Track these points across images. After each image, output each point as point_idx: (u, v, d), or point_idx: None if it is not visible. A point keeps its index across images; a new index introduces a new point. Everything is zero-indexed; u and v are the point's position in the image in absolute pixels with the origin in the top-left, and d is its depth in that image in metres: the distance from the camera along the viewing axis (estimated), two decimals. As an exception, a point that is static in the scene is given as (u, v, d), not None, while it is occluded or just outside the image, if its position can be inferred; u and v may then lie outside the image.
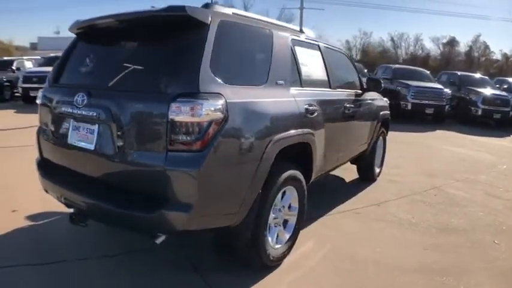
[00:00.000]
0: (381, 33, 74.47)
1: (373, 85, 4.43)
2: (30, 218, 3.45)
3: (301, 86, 3.01)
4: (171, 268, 2.74)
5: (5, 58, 17.33)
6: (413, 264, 3.02)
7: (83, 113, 2.36)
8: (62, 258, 2.79)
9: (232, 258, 2.70)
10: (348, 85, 4.14)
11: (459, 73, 14.84)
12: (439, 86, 12.58)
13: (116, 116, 2.21)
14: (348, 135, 3.94)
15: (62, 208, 2.71)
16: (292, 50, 2.99)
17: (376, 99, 4.90)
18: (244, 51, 2.60)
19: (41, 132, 2.93)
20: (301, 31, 3.45)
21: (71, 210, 2.52)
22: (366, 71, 15.02)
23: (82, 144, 2.42)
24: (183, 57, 2.17)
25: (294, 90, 2.86)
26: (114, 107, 2.22)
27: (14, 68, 14.07)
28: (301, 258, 2.95)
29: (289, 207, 2.89)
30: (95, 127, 2.35)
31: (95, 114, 2.29)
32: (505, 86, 14.29)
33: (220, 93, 2.13)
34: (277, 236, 2.79)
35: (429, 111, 11.88)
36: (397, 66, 15.44)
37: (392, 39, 50.55)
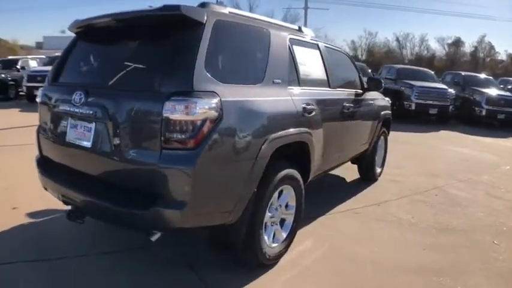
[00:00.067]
0: (386, 34, 74.21)
1: (374, 85, 4.42)
2: (31, 215, 3.48)
3: (299, 85, 3.00)
4: (168, 266, 2.75)
5: (10, 57, 17.52)
6: (412, 264, 3.01)
7: (81, 111, 2.39)
8: (62, 255, 2.82)
9: (229, 256, 2.71)
10: (348, 85, 4.13)
11: (463, 73, 14.77)
12: (443, 86, 12.54)
13: (112, 114, 2.23)
14: (348, 134, 3.93)
15: (62, 206, 2.73)
16: (290, 49, 2.99)
17: (377, 99, 4.89)
18: (241, 50, 2.60)
19: (40, 130, 2.97)
20: (299, 30, 3.45)
21: (69, 207, 2.54)
22: (369, 71, 14.96)
23: (79, 142, 2.44)
24: (178, 56, 2.18)
25: (291, 89, 2.86)
26: (110, 106, 2.25)
27: (18, 67, 14.20)
28: (298, 257, 2.95)
29: (286, 206, 2.89)
30: (92, 125, 2.37)
31: (91, 112, 2.31)
32: (510, 87, 14.25)
33: (215, 92, 2.13)
34: (274, 234, 2.79)
35: (433, 111, 11.84)
36: (401, 66, 15.39)
37: (397, 40, 50.31)
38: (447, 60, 44.96)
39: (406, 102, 11.95)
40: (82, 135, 2.43)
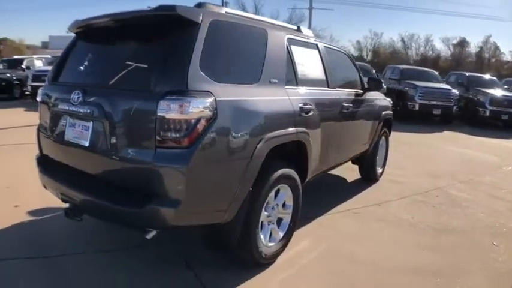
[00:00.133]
0: (392, 34, 73.97)
1: (374, 85, 4.41)
2: (32, 213, 3.52)
3: (297, 85, 3.01)
4: (165, 264, 2.77)
5: (15, 57, 17.65)
6: (410, 264, 3.00)
7: (78, 110, 2.41)
8: (61, 253, 2.86)
9: (225, 255, 2.72)
10: (348, 85, 4.12)
11: (467, 74, 14.70)
12: (447, 86, 12.49)
13: (108, 113, 2.26)
14: (347, 134, 3.93)
15: (62, 204, 2.75)
16: (288, 49, 2.99)
17: (378, 99, 4.88)
18: (237, 50, 2.61)
19: (40, 129, 3.00)
20: (298, 30, 3.45)
21: (67, 205, 2.57)
22: (374, 71, 14.91)
23: (78, 141, 2.47)
24: (173, 55, 2.19)
25: (288, 89, 2.86)
26: (106, 105, 2.27)
27: (23, 66, 14.31)
28: (296, 257, 2.96)
29: (284, 205, 2.90)
30: (90, 124, 2.40)
31: (88, 111, 2.34)
32: (514, 88, 14.13)
33: (210, 91, 2.15)
34: (271, 234, 2.80)
35: (437, 112, 11.81)
36: (405, 66, 15.34)
37: (402, 40, 50.21)
38: (452, 60, 44.78)
39: (409, 103, 11.93)
40: (80, 134, 2.45)
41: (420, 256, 3.16)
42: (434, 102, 11.71)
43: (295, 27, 3.48)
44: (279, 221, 2.89)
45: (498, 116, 11.96)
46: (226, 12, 2.62)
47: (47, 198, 3.17)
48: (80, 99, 2.40)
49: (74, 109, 2.45)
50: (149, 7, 2.43)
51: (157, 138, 2.07)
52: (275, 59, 2.80)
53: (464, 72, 15.30)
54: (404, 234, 3.60)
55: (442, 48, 49.33)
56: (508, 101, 12.00)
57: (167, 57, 2.19)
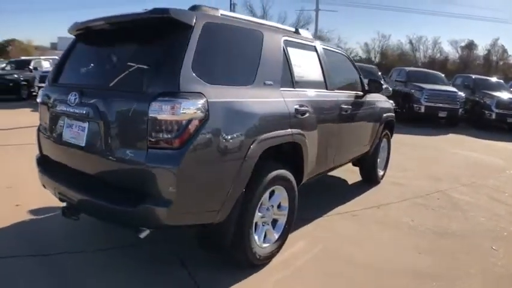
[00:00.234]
0: (400, 36, 73.62)
1: (374, 87, 4.40)
2: (33, 212, 3.57)
3: (293, 87, 3.02)
4: (161, 263, 2.80)
5: (23, 58, 17.87)
6: (406, 267, 2.98)
7: (75, 111, 2.46)
8: (60, 251, 2.89)
9: (218, 255, 2.74)
10: (347, 86, 4.13)
11: (474, 76, 14.57)
12: (453, 89, 12.43)
13: (103, 114, 2.30)
14: (346, 136, 3.92)
15: (62, 204, 2.79)
16: (284, 50, 3.00)
17: (380, 101, 4.87)
18: (231, 52, 2.63)
19: (40, 129, 3.05)
20: (296, 32, 3.46)
21: (64, 204, 2.61)
22: (380, 73, 14.85)
23: (74, 141, 2.52)
24: (166, 57, 2.22)
25: (284, 90, 2.87)
26: (102, 106, 2.31)
27: (31, 67, 14.48)
28: (291, 258, 2.96)
29: (279, 206, 2.90)
30: (86, 125, 2.44)
31: (84, 112, 2.38)
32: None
33: (202, 93, 2.17)
34: (266, 235, 2.81)
35: (442, 114, 11.76)
36: (411, 68, 15.26)
37: (410, 42, 49.99)
38: (460, 63, 44.49)
39: (415, 105, 11.90)
40: (77, 134, 2.49)
41: (418, 259, 3.14)
42: (440, 105, 11.65)
43: (293, 29, 3.50)
44: (274, 222, 2.89)
45: (504, 119, 11.85)
46: (221, 15, 2.65)
47: (48, 197, 3.21)
48: (76, 100, 2.44)
49: (71, 110, 2.49)
50: (145, 9, 2.46)
51: (149, 139, 2.10)
52: (270, 60, 2.82)
53: (471, 75, 15.17)
54: (403, 237, 3.58)
55: (450, 51, 49.14)
56: (514, 104, 11.89)
57: (160, 59, 2.22)
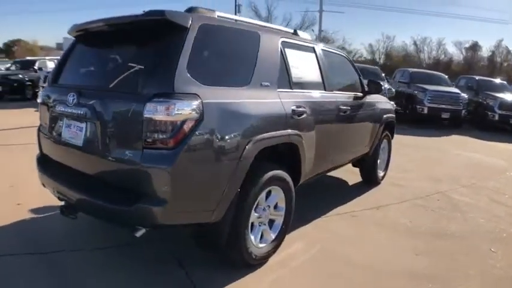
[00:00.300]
0: (404, 37, 73.36)
1: (374, 88, 4.41)
2: (33, 211, 3.61)
3: (291, 88, 3.03)
4: (158, 262, 2.82)
5: (28, 58, 17.99)
6: (403, 269, 2.98)
7: (73, 111, 2.50)
8: (59, 249, 2.93)
9: (215, 255, 2.76)
10: (347, 88, 4.14)
11: (477, 78, 14.51)
12: (456, 90, 12.39)
13: (100, 114, 2.33)
14: (345, 137, 3.93)
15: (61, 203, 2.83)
16: (282, 52, 3.02)
17: (380, 102, 4.87)
18: (227, 54, 2.65)
19: (41, 129, 3.10)
20: (295, 33, 3.47)
21: (62, 203, 2.64)
22: (383, 75, 14.83)
23: (73, 141, 2.55)
24: (162, 59, 2.25)
25: (281, 91, 2.88)
26: (98, 106, 2.35)
27: (36, 67, 14.57)
28: (288, 258, 2.97)
29: (276, 207, 2.92)
30: (83, 125, 2.47)
31: (82, 112, 2.42)
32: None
33: (196, 94, 2.19)
34: (262, 235, 2.82)
35: (445, 115, 11.73)
36: (414, 70, 15.21)
37: (415, 43, 49.80)
38: (465, 64, 44.28)
39: (418, 106, 11.89)
40: (75, 134, 2.53)
41: (415, 260, 3.14)
42: (443, 106, 11.63)
43: (292, 31, 3.51)
44: (271, 222, 2.91)
45: (507, 120, 11.77)
46: (217, 17, 2.67)
47: (48, 197, 3.25)
48: (74, 100, 2.48)
49: (69, 110, 2.53)
50: (144, 11, 2.48)
51: (144, 139, 2.13)
52: (267, 62, 2.83)
53: (474, 76, 15.12)
54: (401, 238, 3.58)
55: (455, 52, 48.92)
56: (517, 106, 11.84)
57: (156, 60, 2.25)
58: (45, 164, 2.97)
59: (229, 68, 2.62)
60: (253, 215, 2.66)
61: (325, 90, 3.54)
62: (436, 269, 3.04)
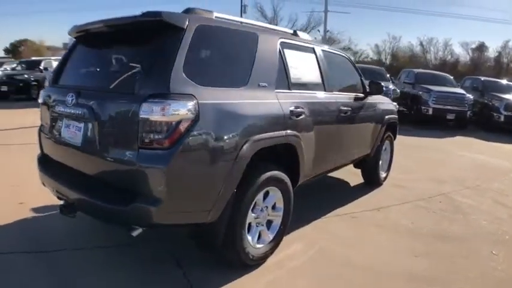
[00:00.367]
0: (410, 38, 72.95)
1: (375, 88, 4.39)
2: (35, 210, 3.65)
3: (289, 89, 3.03)
4: (156, 262, 2.83)
5: (33, 58, 18.11)
6: (402, 271, 2.96)
7: (72, 111, 2.53)
8: (60, 248, 2.96)
9: (212, 255, 2.76)
10: (347, 88, 4.13)
11: (482, 78, 14.39)
12: (461, 91, 12.31)
13: (97, 114, 2.36)
14: (345, 138, 3.92)
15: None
16: (280, 52, 3.02)
17: (382, 103, 4.85)
18: (224, 54, 2.65)
19: (41, 129, 3.13)
20: (294, 34, 3.47)
21: (62, 202, 2.66)
22: (388, 75, 14.76)
23: (72, 141, 2.58)
24: (158, 60, 2.26)
25: (279, 92, 2.88)
26: (96, 107, 2.37)
27: (41, 67, 14.67)
28: (286, 259, 2.97)
29: (274, 207, 2.91)
30: (82, 125, 2.50)
31: (80, 112, 2.45)
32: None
33: (192, 95, 2.20)
34: (260, 235, 2.82)
35: (450, 116, 11.65)
36: (419, 70, 15.12)
37: (421, 44, 49.44)
38: (471, 65, 43.94)
39: (423, 107, 11.82)
40: (74, 134, 2.56)
41: (414, 262, 3.12)
42: (448, 107, 11.56)
43: (291, 31, 3.51)
44: (269, 223, 2.91)
45: (512, 121, 11.69)
46: (215, 17, 2.68)
47: (50, 196, 3.28)
48: (73, 101, 2.51)
49: (68, 110, 2.56)
50: (142, 12, 2.50)
51: (140, 139, 2.14)
52: (265, 63, 2.83)
53: (480, 77, 14.99)
54: (401, 239, 3.56)
55: (461, 53, 48.51)
56: (523, 107, 11.72)
57: (152, 61, 2.27)
58: (45, 163, 3.00)
59: (226, 69, 2.62)
60: (251, 216, 2.66)
61: (325, 91, 3.53)
62: (436, 271, 3.02)
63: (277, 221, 2.94)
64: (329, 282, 2.76)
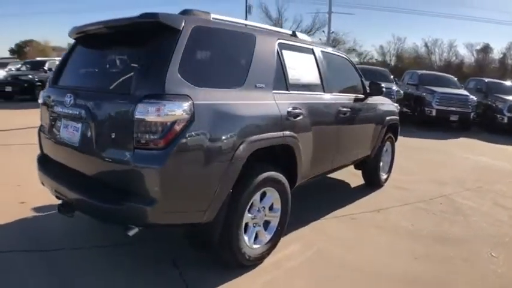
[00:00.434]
0: (415, 39, 72.69)
1: (375, 89, 4.39)
2: (36, 209, 3.68)
3: (287, 90, 3.03)
4: (152, 261, 2.85)
5: (38, 59, 18.23)
6: (400, 273, 2.95)
7: (69, 112, 2.56)
8: (59, 247, 2.99)
9: (208, 255, 2.77)
10: (347, 89, 4.12)
11: (486, 80, 14.33)
12: (465, 92, 12.26)
13: (94, 115, 2.38)
14: (344, 139, 3.91)
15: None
16: (278, 53, 3.02)
17: (383, 104, 4.84)
18: (220, 55, 2.66)
19: (41, 129, 3.16)
20: (293, 35, 3.48)
21: (60, 201, 2.69)
22: (392, 76, 14.72)
23: (70, 141, 2.61)
24: (153, 61, 2.28)
25: (276, 93, 2.88)
26: (93, 107, 2.40)
27: (45, 68, 14.75)
28: (283, 260, 2.97)
29: (271, 208, 2.92)
30: (79, 125, 2.52)
31: (77, 113, 2.48)
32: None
33: (187, 95, 2.21)
34: (257, 236, 2.83)
35: (454, 118, 11.60)
36: (423, 72, 15.07)
37: (426, 45, 49.21)
38: (476, 66, 43.70)
39: (427, 108, 11.79)
40: (72, 134, 2.58)
41: (412, 265, 3.11)
42: (452, 108, 11.52)
43: (290, 32, 3.51)
44: (266, 223, 2.91)
45: (516, 123, 11.61)
46: (212, 19, 2.69)
47: (51, 196, 3.32)
48: (71, 101, 2.54)
49: (66, 111, 2.59)
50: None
51: (135, 139, 2.16)
52: (263, 63, 2.84)
53: (483, 79, 14.94)
54: (400, 241, 3.54)
55: (466, 54, 48.22)
56: (526, 109, 11.64)
57: (148, 62, 2.29)
58: (45, 163, 3.03)
59: (222, 70, 2.63)
60: (247, 216, 2.67)
61: (324, 91, 3.53)
62: (434, 273, 3.00)
63: (275, 221, 2.94)
64: (327, 284, 2.75)
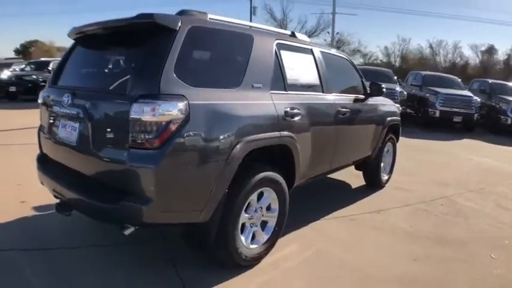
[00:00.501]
0: (420, 40, 72.32)
1: (376, 90, 4.37)
2: (36, 208, 3.70)
3: (285, 90, 3.02)
4: (151, 261, 2.85)
5: (42, 59, 18.34)
6: (397, 274, 2.94)
7: (67, 112, 2.58)
8: (58, 246, 3.01)
9: (204, 255, 2.77)
10: (347, 90, 4.11)
11: (490, 81, 14.24)
12: (469, 93, 12.22)
13: (91, 115, 2.40)
14: (344, 140, 3.90)
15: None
16: (276, 54, 3.02)
17: (384, 105, 4.83)
18: (217, 56, 2.67)
19: (41, 129, 3.18)
20: (292, 35, 3.47)
21: (58, 200, 2.70)
22: (395, 77, 14.67)
23: (68, 141, 2.63)
24: (149, 61, 2.29)
25: (274, 93, 2.88)
26: (89, 107, 2.41)
27: (50, 68, 14.82)
28: (281, 260, 2.97)
29: (269, 208, 2.91)
30: (77, 125, 2.54)
31: (75, 113, 2.50)
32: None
33: (183, 95, 2.21)
34: (254, 236, 2.82)
35: (457, 119, 11.55)
36: (427, 72, 15.02)
37: (430, 46, 49.01)
38: (481, 67, 43.48)
39: (430, 110, 11.75)
40: (70, 134, 2.60)
41: (410, 266, 3.09)
42: (455, 110, 11.47)
43: (289, 33, 3.51)
44: (264, 223, 2.91)
45: (519, 124, 11.53)
46: (209, 19, 2.70)
47: (51, 195, 3.34)
48: (69, 101, 2.56)
49: (64, 111, 2.61)
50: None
51: (131, 139, 2.17)
52: (260, 64, 2.83)
53: (487, 80, 14.86)
54: (399, 243, 3.53)
55: (470, 55, 48.01)
56: (531, 110, 11.57)
57: (144, 62, 2.30)
58: (44, 163, 3.05)
59: (219, 70, 2.64)
60: (244, 216, 2.67)
61: (323, 92, 3.52)
62: (433, 275, 2.99)
63: (272, 222, 2.94)
64: (325, 284, 2.75)
